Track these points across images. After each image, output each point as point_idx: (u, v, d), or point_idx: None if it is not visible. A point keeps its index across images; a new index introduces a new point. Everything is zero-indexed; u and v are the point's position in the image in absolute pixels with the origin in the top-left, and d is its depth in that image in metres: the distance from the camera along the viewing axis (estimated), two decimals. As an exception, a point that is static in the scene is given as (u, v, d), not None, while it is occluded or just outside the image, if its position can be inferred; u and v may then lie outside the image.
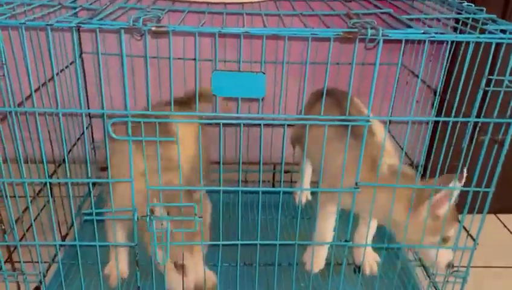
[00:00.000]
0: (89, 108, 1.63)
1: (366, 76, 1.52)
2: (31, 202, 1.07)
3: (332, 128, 1.02)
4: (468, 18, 1.03)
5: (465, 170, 1.01)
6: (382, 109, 1.57)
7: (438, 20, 1.13)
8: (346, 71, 1.53)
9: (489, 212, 1.36)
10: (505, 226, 1.71)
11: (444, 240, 1.08)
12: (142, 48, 1.52)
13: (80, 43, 1.57)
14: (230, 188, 1.02)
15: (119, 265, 1.19)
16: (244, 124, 0.95)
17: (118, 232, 1.13)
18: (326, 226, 1.23)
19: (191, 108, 1.26)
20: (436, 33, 0.87)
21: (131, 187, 0.97)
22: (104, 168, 1.70)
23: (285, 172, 1.77)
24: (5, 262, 1.12)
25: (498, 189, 1.07)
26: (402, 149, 1.20)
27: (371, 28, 0.85)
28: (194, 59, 1.47)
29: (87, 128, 1.64)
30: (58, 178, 1.34)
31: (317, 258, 1.28)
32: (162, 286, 1.08)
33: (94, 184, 1.67)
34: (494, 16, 1.01)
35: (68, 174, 1.01)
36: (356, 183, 0.99)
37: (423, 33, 0.87)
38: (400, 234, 1.09)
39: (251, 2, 1.17)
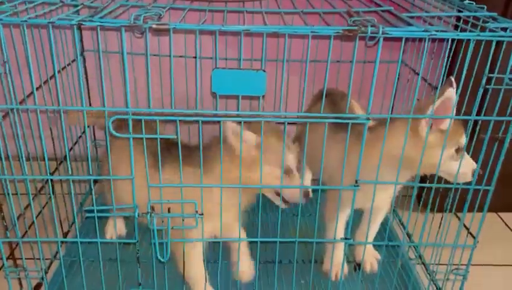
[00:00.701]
0: (90, 106, 1.63)
1: (368, 74, 1.52)
2: (32, 199, 1.07)
3: (324, 130, 1.02)
4: (469, 16, 1.03)
5: (451, 78, 0.99)
6: (383, 106, 1.57)
7: (439, 18, 1.13)
8: (347, 69, 1.53)
9: (490, 210, 1.36)
10: (506, 225, 1.71)
11: (458, 150, 1.05)
12: (143, 46, 1.52)
13: (82, 41, 1.57)
14: (230, 185, 1.02)
15: (116, 224, 1.33)
16: (244, 122, 0.95)
17: None
18: (338, 228, 1.23)
19: None
20: (436, 31, 0.87)
21: (132, 184, 0.97)
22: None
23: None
24: (7, 259, 1.13)
25: (499, 187, 1.07)
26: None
27: (371, 26, 0.85)
28: (195, 57, 1.47)
29: (88, 126, 1.65)
30: (59, 175, 1.34)
31: (335, 260, 1.27)
32: (163, 283, 1.09)
33: (95, 181, 1.68)
34: (495, 14, 1.01)
35: (70, 171, 1.02)
36: (356, 181, 0.99)
37: (424, 31, 0.87)
38: (414, 168, 1.05)
39: (252, 0, 1.17)
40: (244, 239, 1.13)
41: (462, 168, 1.05)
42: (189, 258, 1.11)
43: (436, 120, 1.00)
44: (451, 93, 0.97)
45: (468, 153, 1.08)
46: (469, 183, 1.07)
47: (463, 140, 1.05)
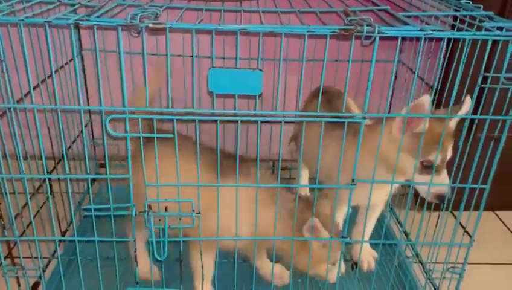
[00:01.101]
0: (89, 105, 1.63)
1: (365, 73, 1.52)
2: (30, 198, 1.07)
3: (319, 128, 1.02)
4: (465, 15, 1.03)
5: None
6: (381, 105, 1.57)
7: (436, 17, 1.13)
8: (345, 68, 1.53)
9: (488, 209, 1.36)
10: (504, 223, 1.72)
11: (427, 166, 1.02)
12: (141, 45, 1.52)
13: (80, 40, 1.57)
14: (227, 185, 1.02)
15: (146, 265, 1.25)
16: (242, 121, 0.95)
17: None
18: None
19: None
20: (433, 30, 0.87)
21: (129, 183, 0.98)
22: (104, 165, 1.71)
23: (284, 169, 1.78)
24: (5, 258, 1.13)
25: (497, 186, 1.08)
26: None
27: (367, 25, 0.85)
28: (192, 56, 1.47)
29: (86, 125, 1.65)
30: (57, 174, 1.34)
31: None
32: (160, 281, 1.09)
33: (94, 180, 1.68)
34: (491, 13, 1.01)
35: (67, 170, 1.02)
36: (353, 180, 1.00)
37: (420, 30, 0.87)
38: (389, 167, 1.05)
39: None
40: (241, 238, 1.14)
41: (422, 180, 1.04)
42: (195, 250, 1.14)
43: (411, 124, 1.00)
44: (425, 100, 0.95)
45: (464, 152, 1.08)
46: (465, 181, 1.07)
47: (433, 156, 1.01)
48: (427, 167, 1.02)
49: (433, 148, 1.00)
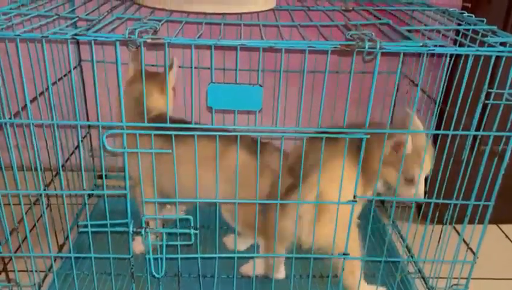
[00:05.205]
0: (88, 117, 1.62)
1: (367, 85, 1.51)
2: (26, 212, 1.06)
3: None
4: (468, 29, 1.02)
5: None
6: (383, 118, 1.56)
7: (439, 31, 1.12)
8: (347, 79, 1.52)
9: (491, 222, 1.33)
10: (507, 237, 1.69)
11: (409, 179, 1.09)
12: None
13: (79, 51, 1.56)
14: (226, 201, 1.01)
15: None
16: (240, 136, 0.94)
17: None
18: None
19: None
20: (435, 46, 0.86)
21: (127, 198, 0.96)
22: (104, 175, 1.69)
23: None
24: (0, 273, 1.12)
25: (501, 200, 1.06)
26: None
27: (369, 40, 0.84)
28: (194, 68, 1.46)
29: (84, 137, 1.63)
30: (55, 187, 1.33)
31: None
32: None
33: (91, 194, 1.66)
34: (494, 28, 1.00)
35: (63, 186, 1.00)
36: (354, 197, 0.98)
37: (422, 46, 0.86)
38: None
39: (250, 13, 1.16)
40: (241, 255, 1.12)
41: (405, 191, 1.10)
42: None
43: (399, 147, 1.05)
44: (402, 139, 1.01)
45: (467, 168, 1.07)
46: (469, 197, 1.05)
47: (415, 171, 1.08)
48: (409, 180, 1.09)
49: (416, 166, 1.07)
